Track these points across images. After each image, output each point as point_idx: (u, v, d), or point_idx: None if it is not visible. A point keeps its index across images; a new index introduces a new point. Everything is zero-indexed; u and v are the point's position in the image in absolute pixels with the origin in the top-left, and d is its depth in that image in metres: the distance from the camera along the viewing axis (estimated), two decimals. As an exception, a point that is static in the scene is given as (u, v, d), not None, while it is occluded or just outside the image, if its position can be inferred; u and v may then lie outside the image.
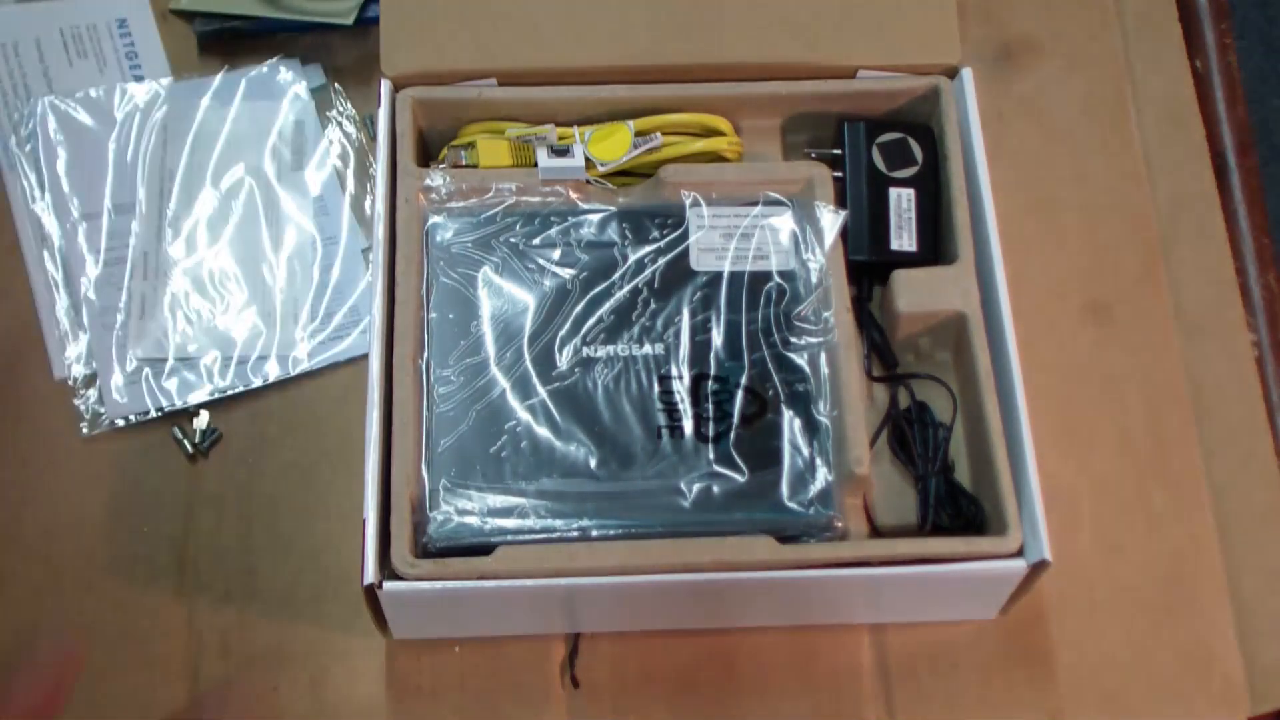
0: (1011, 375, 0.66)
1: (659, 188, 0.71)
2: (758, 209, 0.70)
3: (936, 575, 0.64)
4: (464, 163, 0.71)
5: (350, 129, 0.80)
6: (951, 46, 0.73)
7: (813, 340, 0.67)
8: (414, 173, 0.70)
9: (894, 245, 0.71)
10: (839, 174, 0.72)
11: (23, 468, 0.72)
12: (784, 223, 0.70)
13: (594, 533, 0.63)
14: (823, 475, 0.65)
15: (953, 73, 0.74)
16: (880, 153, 0.73)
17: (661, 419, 0.65)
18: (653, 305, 0.68)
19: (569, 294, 0.68)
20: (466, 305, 0.67)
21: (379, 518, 0.62)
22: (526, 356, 0.66)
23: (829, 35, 0.73)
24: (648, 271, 0.68)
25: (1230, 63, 0.83)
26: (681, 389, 0.66)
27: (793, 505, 0.64)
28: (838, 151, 0.73)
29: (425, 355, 0.66)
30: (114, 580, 0.69)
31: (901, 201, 0.72)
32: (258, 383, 0.73)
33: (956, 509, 0.68)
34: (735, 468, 0.64)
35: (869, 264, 0.71)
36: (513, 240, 0.69)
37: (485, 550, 0.62)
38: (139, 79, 0.80)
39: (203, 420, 0.73)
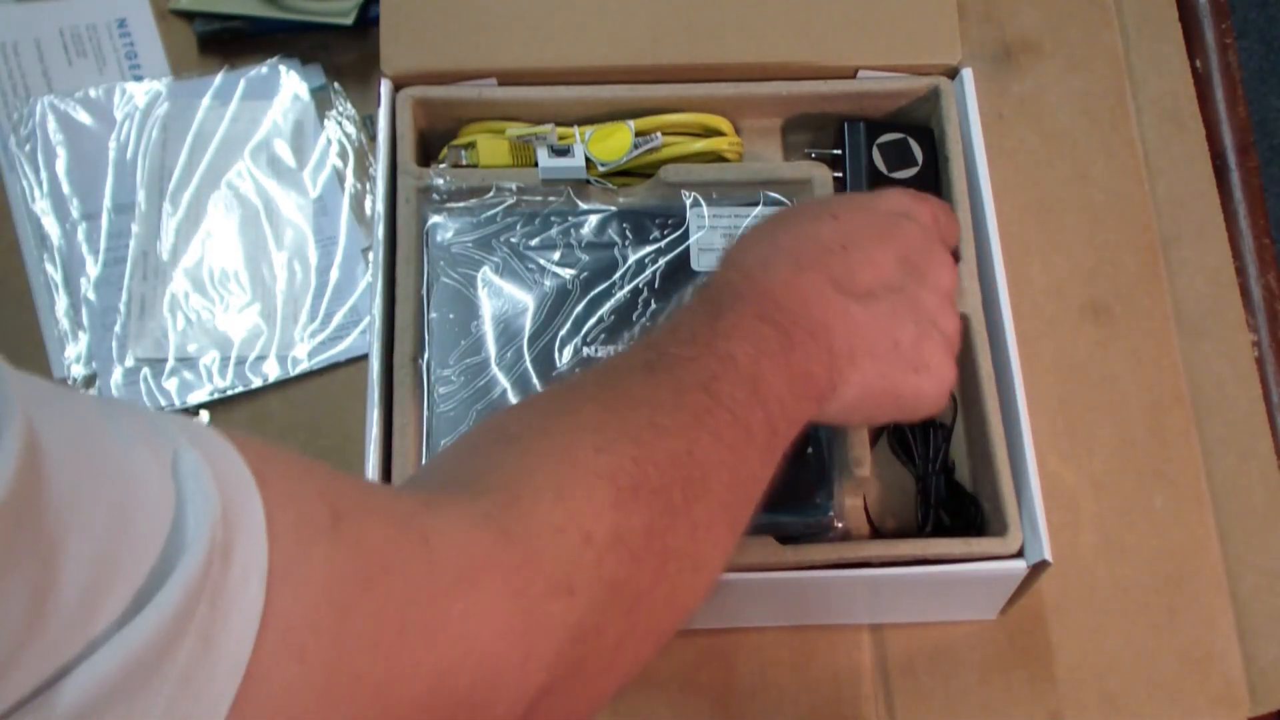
0: (1011, 375, 0.66)
1: (659, 188, 0.71)
2: (758, 209, 0.70)
3: (936, 575, 0.64)
4: (464, 163, 0.71)
5: (350, 129, 0.80)
6: (951, 46, 0.73)
7: (813, 340, 0.67)
8: (414, 173, 0.70)
9: None
10: (839, 174, 0.72)
11: (23, 468, 0.72)
12: (784, 223, 0.70)
13: (594, 533, 0.63)
14: (823, 475, 0.65)
15: (953, 73, 0.74)
16: (880, 153, 0.73)
17: (662, 419, 0.65)
18: (653, 305, 0.68)
19: (569, 294, 0.68)
20: (466, 305, 0.67)
21: (379, 518, 0.62)
22: (527, 357, 0.66)
23: (829, 35, 0.73)
24: (648, 271, 0.68)
25: (1230, 63, 0.83)
26: (682, 389, 0.66)
27: (793, 505, 0.64)
28: (837, 152, 0.73)
29: (425, 355, 0.66)
30: (114, 580, 0.69)
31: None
32: (257, 383, 0.73)
33: (956, 509, 0.68)
34: (735, 468, 0.64)
35: None
36: (513, 240, 0.69)
37: (485, 550, 0.62)
38: (139, 79, 0.80)
39: (203, 420, 0.73)
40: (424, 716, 0.39)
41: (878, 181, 0.72)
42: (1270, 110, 1.62)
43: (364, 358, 0.71)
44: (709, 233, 0.69)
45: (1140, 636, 0.69)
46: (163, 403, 0.72)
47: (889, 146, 0.73)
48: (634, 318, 0.67)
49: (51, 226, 0.76)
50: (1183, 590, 0.70)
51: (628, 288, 0.68)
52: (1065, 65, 0.82)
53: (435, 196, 0.70)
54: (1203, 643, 0.69)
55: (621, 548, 0.45)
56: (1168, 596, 0.70)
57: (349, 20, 0.79)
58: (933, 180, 0.73)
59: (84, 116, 0.79)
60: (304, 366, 0.74)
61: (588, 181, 0.71)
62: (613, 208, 0.70)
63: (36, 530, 0.30)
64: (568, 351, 0.66)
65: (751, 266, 0.56)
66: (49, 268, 0.76)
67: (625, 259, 0.69)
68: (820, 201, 0.61)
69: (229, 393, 0.73)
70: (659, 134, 0.72)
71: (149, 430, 0.35)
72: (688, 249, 0.69)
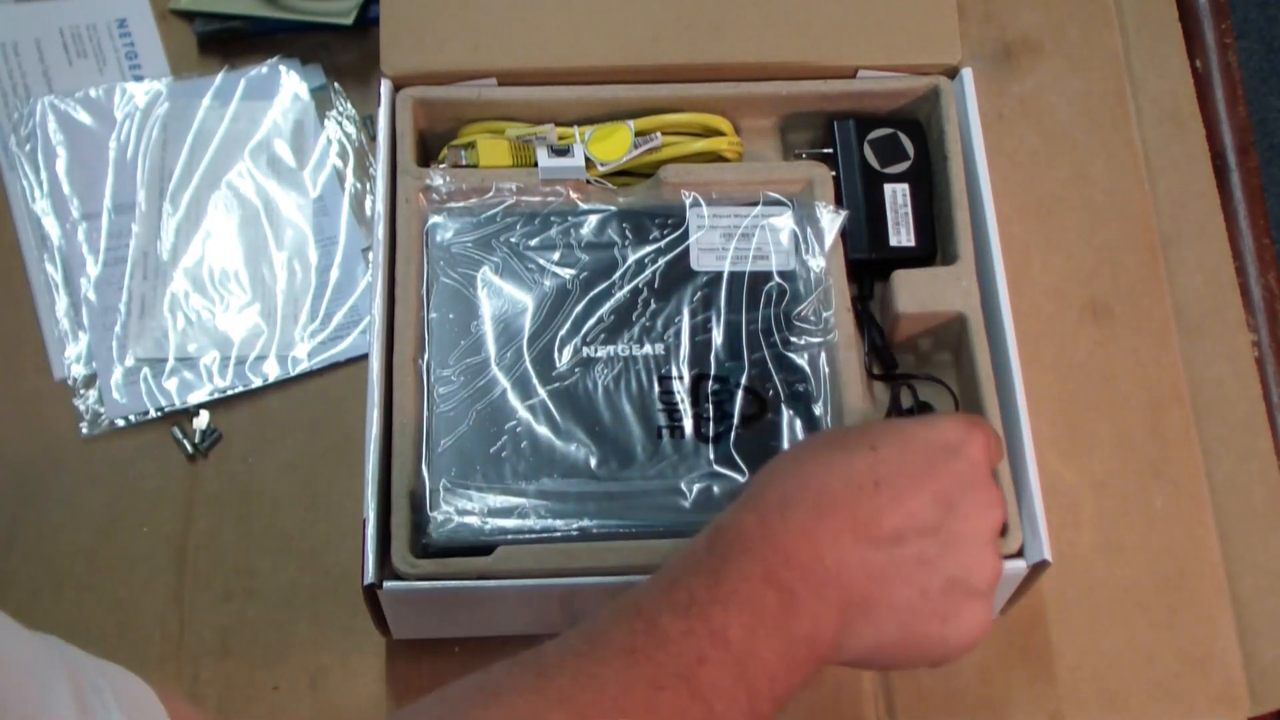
0: (1011, 375, 0.66)
1: (659, 188, 0.71)
2: (758, 209, 0.70)
3: (936, 575, 0.63)
4: (464, 163, 0.71)
5: (350, 129, 0.80)
6: (951, 46, 0.73)
7: (813, 340, 0.67)
8: (414, 173, 0.70)
9: (893, 241, 0.71)
10: (834, 173, 0.72)
11: (23, 468, 0.72)
12: (784, 223, 0.70)
13: (594, 533, 0.63)
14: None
15: (953, 73, 0.74)
16: (872, 150, 0.73)
17: (662, 419, 0.65)
18: (653, 305, 0.68)
19: (569, 294, 0.68)
20: (466, 305, 0.67)
21: (379, 518, 0.62)
22: (526, 356, 0.66)
23: (829, 35, 0.73)
24: (648, 271, 0.68)
25: (1230, 63, 0.83)
26: (681, 389, 0.66)
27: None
28: (829, 151, 0.73)
29: (425, 355, 0.66)
30: (114, 580, 0.69)
31: (897, 197, 0.72)
32: (258, 383, 0.73)
33: (956, 509, 0.67)
34: (736, 468, 0.64)
35: (869, 262, 0.71)
36: (513, 240, 0.69)
37: (485, 550, 0.62)
38: (139, 79, 0.80)
39: (203, 420, 0.73)
40: None
41: (872, 178, 0.72)
42: (1270, 110, 1.62)
43: (364, 358, 0.71)
44: (709, 233, 0.69)
45: (1140, 636, 0.69)
46: (163, 402, 0.72)
47: (880, 142, 0.73)
48: (633, 318, 0.67)
49: (51, 226, 0.76)
50: (1183, 590, 0.70)
51: (627, 288, 0.68)
52: (1065, 65, 0.82)
53: (435, 196, 0.70)
54: (1203, 643, 0.69)
55: None
56: (1168, 596, 0.70)
57: (349, 20, 0.79)
58: (925, 172, 0.73)
59: (84, 116, 0.79)
60: (304, 366, 0.74)
61: (588, 181, 0.71)
62: (612, 208, 0.70)
63: None
64: (567, 351, 0.66)
65: (769, 509, 0.52)
66: (49, 268, 0.76)
67: (625, 259, 0.69)
68: (863, 429, 0.57)
69: (229, 392, 0.73)
70: (659, 134, 0.72)
71: (82, 694, 0.35)
72: (687, 249, 0.69)
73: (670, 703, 0.47)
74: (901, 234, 0.72)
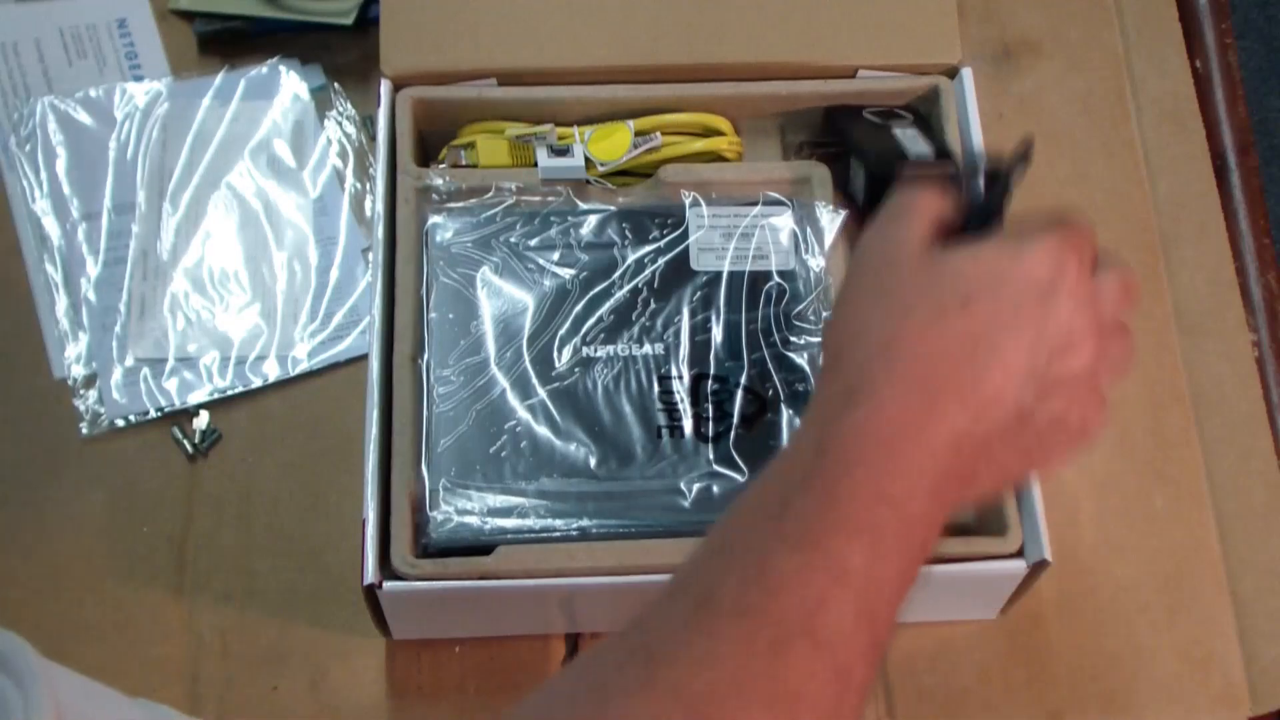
0: (1011, 375, 0.66)
1: (659, 188, 0.71)
2: (758, 209, 0.70)
3: (936, 575, 0.63)
4: (464, 163, 0.71)
5: (350, 129, 0.80)
6: (951, 46, 0.73)
7: (813, 340, 0.67)
8: (414, 173, 0.70)
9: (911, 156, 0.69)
10: (835, 148, 0.71)
11: (23, 468, 0.72)
12: (784, 222, 0.70)
13: (594, 533, 0.63)
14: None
15: (953, 73, 0.74)
16: (872, 114, 0.72)
17: (661, 419, 0.65)
18: (652, 305, 0.68)
19: (569, 294, 0.68)
20: (466, 305, 0.67)
21: (379, 518, 0.62)
22: (526, 356, 0.66)
23: (829, 35, 0.73)
24: (647, 271, 0.68)
25: (1230, 63, 0.83)
26: (681, 389, 0.66)
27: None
28: (833, 142, 0.73)
29: (425, 355, 0.66)
30: (114, 580, 0.69)
31: (908, 135, 0.71)
32: (257, 383, 0.73)
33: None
34: (735, 468, 0.64)
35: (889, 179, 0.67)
36: (512, 240, 0.69)
37: (485, 550, 0.62)
38: (139, 79, 0.80)
39: (203, 420, 0.73)
40: None
41: (879, 130, 0.71)
42: (1270, 110, 1.62)
43: (364, 358, 0.71)
44: (708, 232, 0.69)
45: (1140, 636, 0.69)
46: (163, 402, 0.72)
47: (878, 111, 0.72)
48: (633, 317, 0.67)
49: (51, 226, 0.76)
50: (1183, 590, 0.70)
51: (627, 287, 0.68)
52: (1065, 65, 0.82)
53: (435, 196, 0.70)
54: (1203, 643, 0.69)
55: None
56: (1168, 596, 0.70)
57: (349, 20, 0.79)
58: (924, 123, 0.72)
59: (84, 116, 0.79)
60: (304, 366, 0.74)
61: (587, 181, 0.71)
62: (612, 208, 0.70)
63: None
64: (567, 351, 0.66)
65: (878, 396, 0.48)
66: (49, 268, 0.76)
67: (624, 259, 0.69)
68: (951, 271, 0.51)
69: (229, 392, 0.73)
70: (658, 134, 0.72)
71: None
72: (687, 249, 0.69)
73: (797, 666, 0.44)
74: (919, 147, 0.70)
